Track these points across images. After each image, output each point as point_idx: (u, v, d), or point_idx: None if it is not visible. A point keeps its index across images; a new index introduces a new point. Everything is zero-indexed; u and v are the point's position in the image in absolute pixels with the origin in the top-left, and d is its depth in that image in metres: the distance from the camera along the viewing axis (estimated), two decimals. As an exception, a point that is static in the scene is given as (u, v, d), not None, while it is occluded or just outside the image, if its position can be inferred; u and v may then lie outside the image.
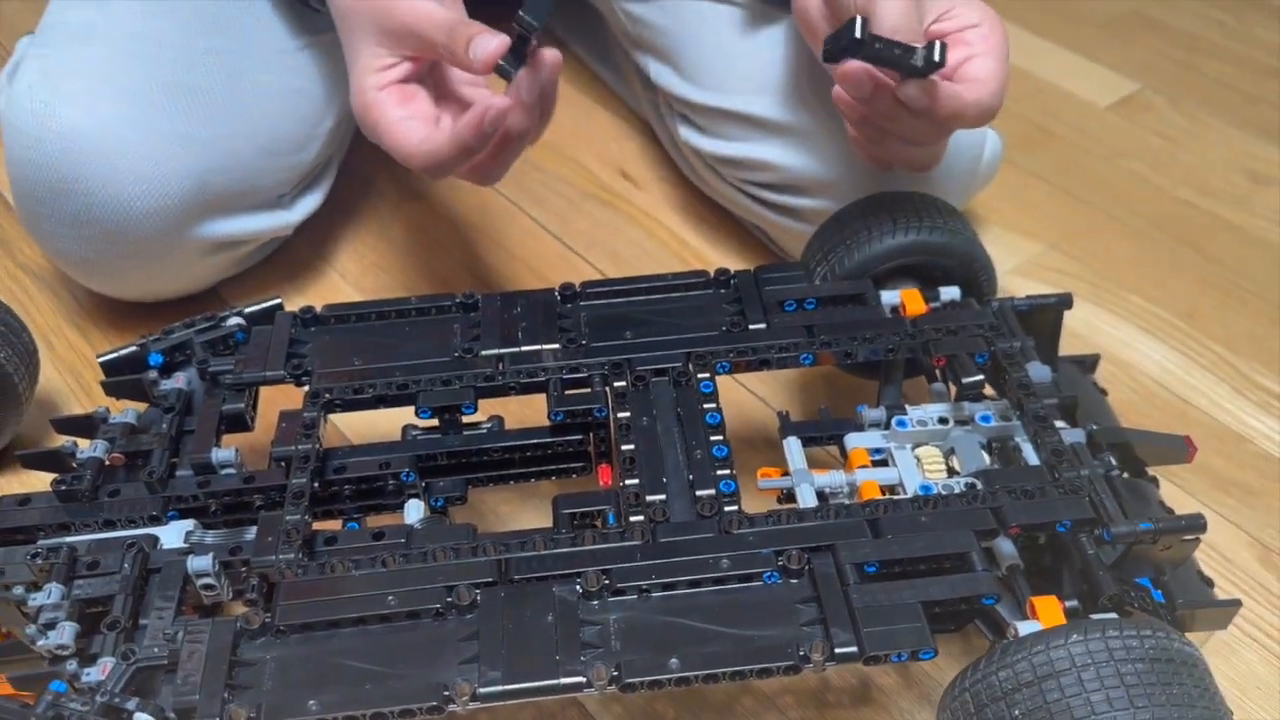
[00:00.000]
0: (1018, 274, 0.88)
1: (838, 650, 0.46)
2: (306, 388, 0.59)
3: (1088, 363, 0.65)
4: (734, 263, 0.86)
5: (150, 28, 0.74)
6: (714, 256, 0.89)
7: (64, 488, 0.56)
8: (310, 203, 0.85)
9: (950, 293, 0.63)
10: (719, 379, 0.58)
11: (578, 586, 0.49)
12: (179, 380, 0.61)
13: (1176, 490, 0.72)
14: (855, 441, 0.58)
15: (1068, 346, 0.66)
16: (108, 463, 0.58)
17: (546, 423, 0.58)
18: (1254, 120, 1.04)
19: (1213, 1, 1.20)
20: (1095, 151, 1.01)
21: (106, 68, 0.72)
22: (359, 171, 0.95)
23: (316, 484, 0.55)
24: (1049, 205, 0.95)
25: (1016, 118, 1.03)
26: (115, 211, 0.72)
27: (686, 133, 0.84)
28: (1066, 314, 0.64)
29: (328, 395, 0.58)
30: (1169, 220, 0.94)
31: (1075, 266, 0.89)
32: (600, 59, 1.01)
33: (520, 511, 0.71)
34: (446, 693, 0.46)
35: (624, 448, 0.55)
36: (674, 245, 0.90)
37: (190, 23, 0.76)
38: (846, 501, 0.55)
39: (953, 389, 0.61)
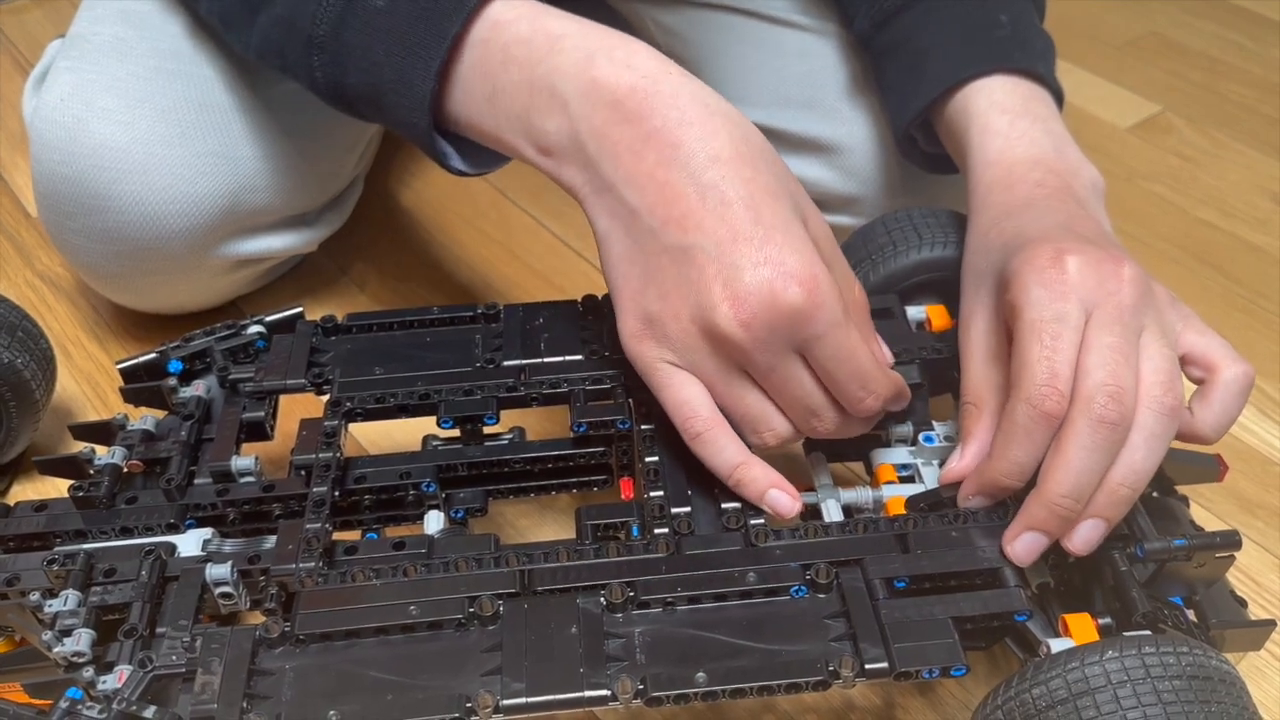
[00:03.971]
0: (1039, 293, 0.87)
1: (868, 666, 0.45)
2: (327, 396, 0.59)
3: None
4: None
5: (185, 46, 0.74)
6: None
7: (81, 494, 0.55)
8: (335, 219, 0.84)
9: (977, 307, 0.62)
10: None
11: (602, 598, 0.48)
12: (198, 388, 0.61)
13: (1204, 513, 0.71)
14: (882, 458, 0.57)
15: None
16: (125, 470, 0.57)
17: (568, 434, 0.57)
18: (1274, 142, 1.04)
19: (1232, 24, 1.20)
20: (1116, 173, 1.01)
21: (142, 84, 0.72)
22: (380, 185, 0.95)
23: (337, 493, 0.55)
24: (1069, 225, 0.95)
25: (1036, 138, 1.03)
26: (146, 229, 0.71)
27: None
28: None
29: (349, 404, 0.58)
30: (1191, 241, 0.93)
31: (1097, 286, 0.88)
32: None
33: (539, 525, 0.70)
34: (469, 704, 0.45)
35: (648, 459, 0.54)
36: (693, 261, 0.90)
37: (223, 43, 0.76)
38: (873, 516, 0.54)
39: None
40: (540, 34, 0.51)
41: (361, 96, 0.56)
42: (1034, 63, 0.61)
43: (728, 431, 0.51)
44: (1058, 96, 0.62)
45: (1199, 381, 0.52)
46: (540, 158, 0.52)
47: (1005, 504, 0.52)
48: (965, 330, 0.55)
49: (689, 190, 0.48)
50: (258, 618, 0.49)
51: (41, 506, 0.56)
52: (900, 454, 0.57)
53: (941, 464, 0.57)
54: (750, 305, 0.47)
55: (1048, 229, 0.52)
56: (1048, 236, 0.51)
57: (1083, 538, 0.48)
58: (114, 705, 0.45)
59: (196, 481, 0.57)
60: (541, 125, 0.51)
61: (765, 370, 0.49)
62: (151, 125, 0.70)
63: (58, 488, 0.64)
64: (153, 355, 0.61)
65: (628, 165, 0.49)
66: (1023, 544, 0.48)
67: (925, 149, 0.68)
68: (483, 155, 0.57)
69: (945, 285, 0.64)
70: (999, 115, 0.59)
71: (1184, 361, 0.51)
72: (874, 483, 0.57)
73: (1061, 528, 0.48)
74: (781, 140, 0.78)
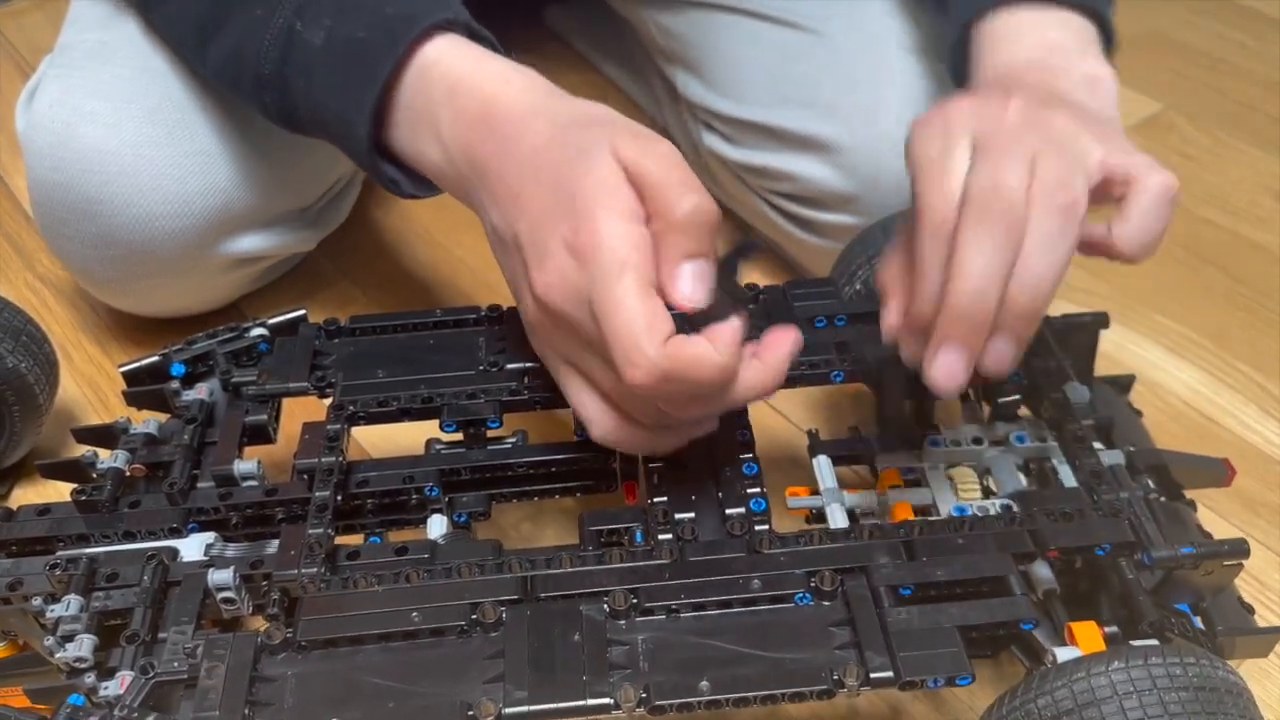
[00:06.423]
0: (1043, 293, 0.87)
1: (873, 674, 0.45)
2: (330, 400, 0.59)
3: (1122, 383, 0.64)
4: (753, 279, 0.85)
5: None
6: (736, 272, 0.88)
7: (84, 498, 0.55)
8: (333, 218, 0.84)
9: (982, 311, 0.62)
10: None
11: (605, 605, 0.48)
12: (201, 391, 0.60)
13: (1207, 512, 0.71)
14: (887, 461, 0.57)
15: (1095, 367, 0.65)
16: (128, 474, 0.57)
17: (572, 438, 0.57)
18: (1276, 140, 1.04)
19: (1234, 23, 1.20)
20: (1119, 171, 1.00)
21: (128, 86, 0.71)
22: (379, 186, 0.95)
23: (339, 497, 0.55)
24: (1072, 224, 0.95)
25: (1040, 137, 1.03)
26: (140, 231, 0.71)
27: (711, 140, 0.84)
28: (1093, 334, 0.63)
29: (351, 407, 0.58)
30: (1194, 240, 0.93)
31: (1100, 286, 0.88)
32: (626, 74, 1.01)
33: (541, 529, 0.70)
34: (471, 712, 0.45)
35: (651, 464, 0.54)
36: (695, 261, 0.90)
37: None
38: (878, 522, 0.54)
39: (986, 408, 0.60)
40: (450, 75, 0.52)
41: (312, 126, 0.59)
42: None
43: (626, 427, 0.50)
44: (1106, 32, 0.60)
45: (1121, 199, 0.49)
46: (444, 184, 0.55)
47: (1013, 511, 0.52)
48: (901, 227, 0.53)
49: (515, 188, 0.49)
50: (260, 623, 0.49)
51: (44, 510, 0.56)
52: (906, 457, 0.57)
53: (948, 467, 0.57)
54: (544, 273, 0.47)
55: None
56: None
57: (994, 357, 0.46)
58: (115, 712, 0.45)
59: (199, 485, 0.56)
60: (427, 153, 0.53)
61: (587, 344, 0.47)
62: (139, 126, 0.70)
63: (60, 492, 0.64)
64: (155, 358, 0.61)
65: (489, 184, 0.50)
66: (942, 364, 0.46)
67: None
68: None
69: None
70: (1015, 37, 0.57)
71: (1106, 185, 0.48)
72: (879, 487, 0.57)
73: (972, 338, 0.46)
74: (781, 138, 0.78)
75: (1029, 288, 0.45)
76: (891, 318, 0.50)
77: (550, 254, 0.46)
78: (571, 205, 0.46)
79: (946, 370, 0.46)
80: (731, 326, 0.45)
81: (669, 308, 0.45)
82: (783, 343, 0.48)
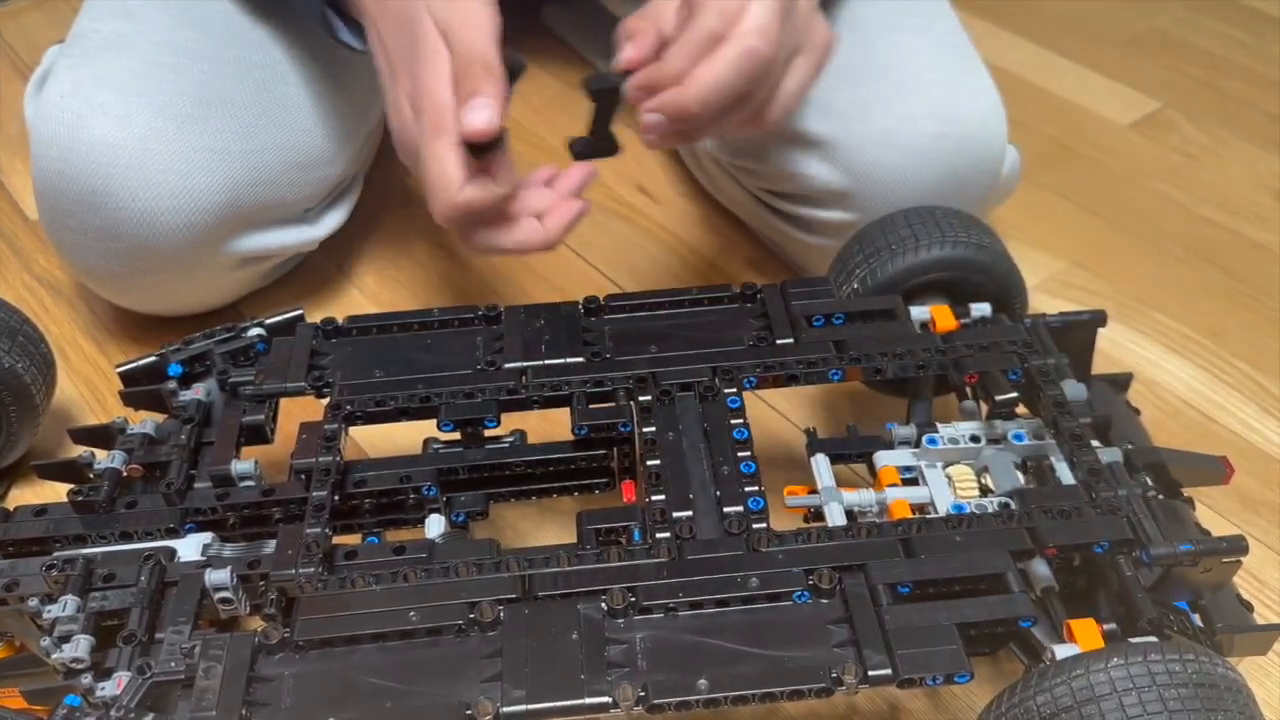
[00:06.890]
0: (1041, 291, 0.87)
1: (871, 673, 0.45)
2: (327, 400, 0.58)
3: (1120, 381, 0.64)
4: (750, 278, 0.85)
5: (180, 38, 0.74)
6: (731, 271, 0.88)
7: (80, 499, 0.55)
8: (336, 218, 0.84)
9: (981, 309, 0.62)
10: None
11: (603, 604, 0.48)
12: (198, 391, 0.60)
13: (1206, 511, 0.71)
14: (885, 459, 0.57)
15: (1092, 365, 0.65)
16: (125, 474, 0.57)
17: (570, 437, 0.57)
18: (1275, 138, 1.04)
19: (1233, 21, 1.20)
20: (1117, 169, 1.01)
21: (139, 79, 0.71)
22: (380, 185, 0.95)
23: (337, 497, 0.55)
24: (1071, 222, 0.95)
25: (1038, 135, 1.03)
26: (144, 226, 0.71)
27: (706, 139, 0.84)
28: (1091, 332, 0.63)
29: (349, 407, 0.57)
30: (1193, 238, 0.93)
31: (1099, 284, 0.88)
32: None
33: (540, 528, 0.70)
34: (469, 712, 0.45)
35: (649, 463, 0.54)
36: (692, 260, 0.90)
37: (220, 34, 0.76)
38: (876, 520, 0.54)
39: (984, 407, 0.60)
40: None
41: None
42: None
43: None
44: None
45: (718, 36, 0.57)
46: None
47: (1010, 509, 0.51)
48: None
49: (387, 40, 0.61)
50: (258, 623, 0.49)
51: (41, 511, 0.56)
52: (903, 456, 0.57)
53: (946, 465, 0.56)
54: (395, 118, 0.60)
55: None
56: None
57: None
58: (112, 713, 0.45)
59: (196, 485, 0.56)
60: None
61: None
62: (148, 121, 0.70)
63: (57, 492, 0.64)
64: (152, 358, 0.61)
65: (370, 29, 0.63)
66: (656, 123, 0.58)
67: None
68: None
69: (950, 285, 0.64)
70: None
71: None
72: (877, 485, 0.56)
73: (684, 127, 0.58)
74: (778, 135, 0.77)
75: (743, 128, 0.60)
76: (630, 53, 0.59)
77: (400, 105, 0.59)
78: (413, 66, 0.57)
79: (656, 128, 0.59)
80: (506, 163, 0.57)
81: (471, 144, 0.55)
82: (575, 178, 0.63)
